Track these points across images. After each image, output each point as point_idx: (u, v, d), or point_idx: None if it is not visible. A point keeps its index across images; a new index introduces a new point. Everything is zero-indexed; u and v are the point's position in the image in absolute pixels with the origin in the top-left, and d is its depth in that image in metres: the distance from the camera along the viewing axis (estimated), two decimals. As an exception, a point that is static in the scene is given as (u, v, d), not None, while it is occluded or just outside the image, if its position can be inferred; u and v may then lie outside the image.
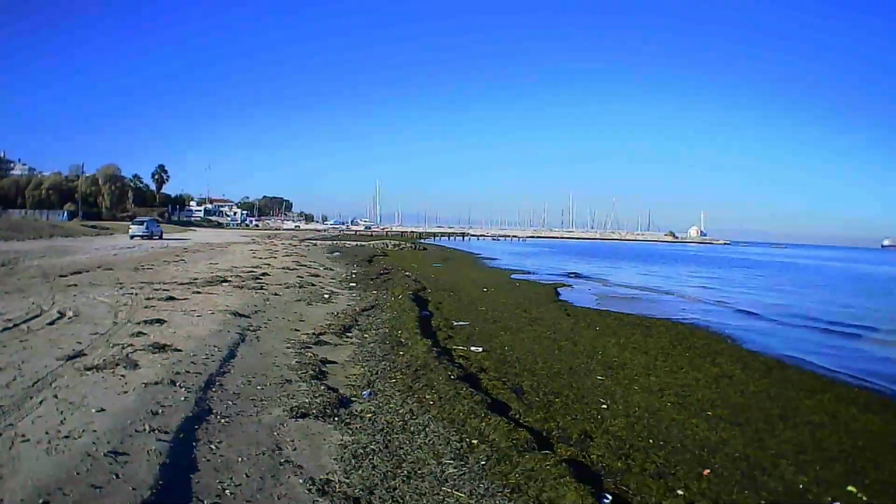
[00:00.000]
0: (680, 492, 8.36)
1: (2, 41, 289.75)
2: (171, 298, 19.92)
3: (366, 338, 16.95)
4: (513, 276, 46.14)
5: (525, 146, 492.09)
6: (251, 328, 16.24)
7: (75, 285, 22.50)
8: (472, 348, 16.81)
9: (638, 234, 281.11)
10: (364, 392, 11.51)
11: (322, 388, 11.33)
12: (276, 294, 23.45)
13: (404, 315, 20.60)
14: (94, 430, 8.02)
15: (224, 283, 25.22)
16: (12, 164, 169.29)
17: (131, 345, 12.88)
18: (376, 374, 12.98)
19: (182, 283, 24.46)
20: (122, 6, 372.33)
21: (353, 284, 30.83)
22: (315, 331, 16.96)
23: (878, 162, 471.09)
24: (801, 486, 8.89)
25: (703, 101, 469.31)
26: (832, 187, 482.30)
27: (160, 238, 72.55)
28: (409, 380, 12.53)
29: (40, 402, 9.04)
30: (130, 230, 72.51)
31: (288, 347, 14.59)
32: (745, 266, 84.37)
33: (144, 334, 14.09)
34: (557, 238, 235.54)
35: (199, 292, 21.99)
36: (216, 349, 13.21)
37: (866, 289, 53.45)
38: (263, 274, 30.73)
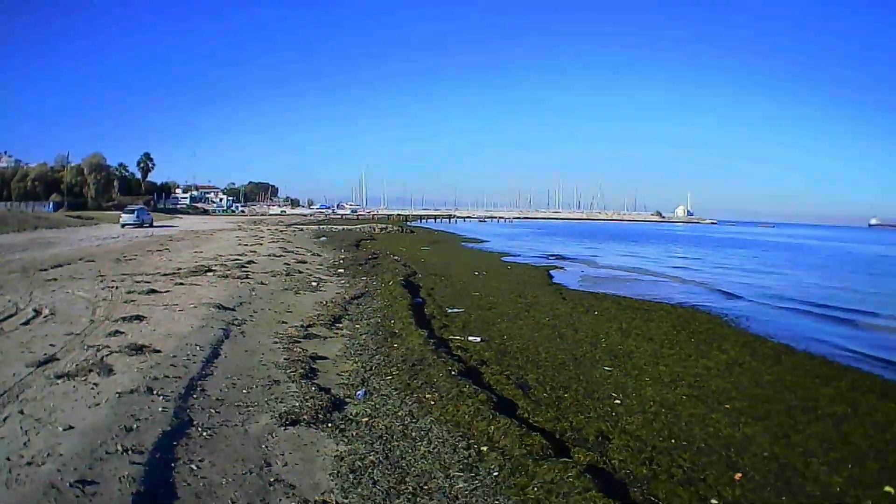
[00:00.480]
0: (714, 501, 7.62)
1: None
2: (153, 291, 19.01)
3: (357, 329, 16.21)
4: (503, 258, 45.51)
5: (511, 129, 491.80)
6: (236, 322, 15.40)
7: (55, 279, 21.61)
8: (471, 338, 16.02)
9: (624, 215, 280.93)
10: (358, 392, 10.72)
11: (313, 388, 10.55)
12: (262, 283, 22.65)
13: (396, 303, 19.81)
14: (61, 455, 7.12)
15: (208, 273, 24.37)
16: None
17: (107, 346, 11.97)
18: (370, 370, 12.22)
19: (165, 274, 23.59)
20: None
21: (342, 271, 30.01)
22: (303, 322, 16.19)
23: (865, 141, 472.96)
24: (837, 489, 8.21)
25: (689, 81, 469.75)
26: (819, 167, 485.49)
27: (150, 226, 72.31)
28: (407, 376, 11.74)
29: (4, 420, 8.15)
30: (121, 219, 71.73)
31: (275, 342, 13.79)
32: (736, 246, 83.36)
33: (122, 333, 13.20)
34: (544, 219, 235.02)
35: (182, 284, 21.11)
36: (198, 348, 12.32)
37: (859, 268, 52.81)
38: (249, 262, 29.86)
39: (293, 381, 10.86)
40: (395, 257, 38.60)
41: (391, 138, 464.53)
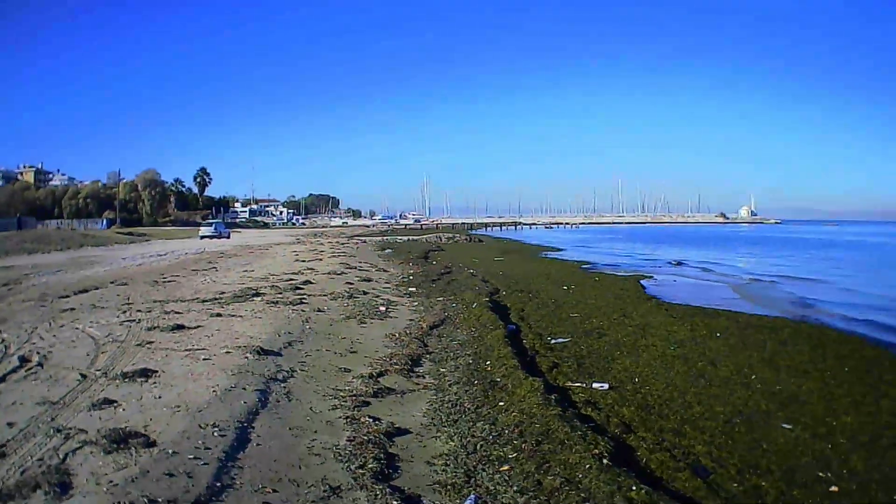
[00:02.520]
0: None
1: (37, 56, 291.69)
2: (179, 328, 15.11)
3: (443, 374, 12.34)
4: (583, 267, 41.49)
5: (572, 135, 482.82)
6: (280, 376, 11.34)
7: (72, 309, 18.20)
8: (595, 385, 11.91)
9: (689, 217, 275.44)
10: (467, 501, 6.72)
11: (395, 501, 6.53)
12: (318, 310, 18.74)
13: (487, 333, 15.85)
14: None
15: (255, 298, 20.53)
16: (51, 176, 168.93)
17: (82, 431, 7.96)
18: (474, 451, 8.28)
19: (204, 301, 19.91)
20: (150, 9, 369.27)
21: (413, 289, 26.08)
22: (372, 369, 12.28)
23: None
24: None
25: (750, 81, 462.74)
26: (879, 163, 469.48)
27: (228, 238, 79.78)
28: (533, 466, 7.75)
29: None
30: (200, 231, 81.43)
31: (334, 408, 9.77)
32: (815, 247, 77.35)
33: (112, 404, 9.18)
34: (609, 223, 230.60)
35: (219, 315, 17.21)
36: (216, 433, 8.16)
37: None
38: (305, 282, 25.84)
39: (362, 487, 6.89)
40: (470, 271, 34.69)
41: (451, 146, 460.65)
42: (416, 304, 21.79)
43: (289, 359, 12.64)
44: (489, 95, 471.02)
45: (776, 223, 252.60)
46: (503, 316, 19.25)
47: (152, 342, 13.49)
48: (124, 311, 17.78)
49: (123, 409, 8.96)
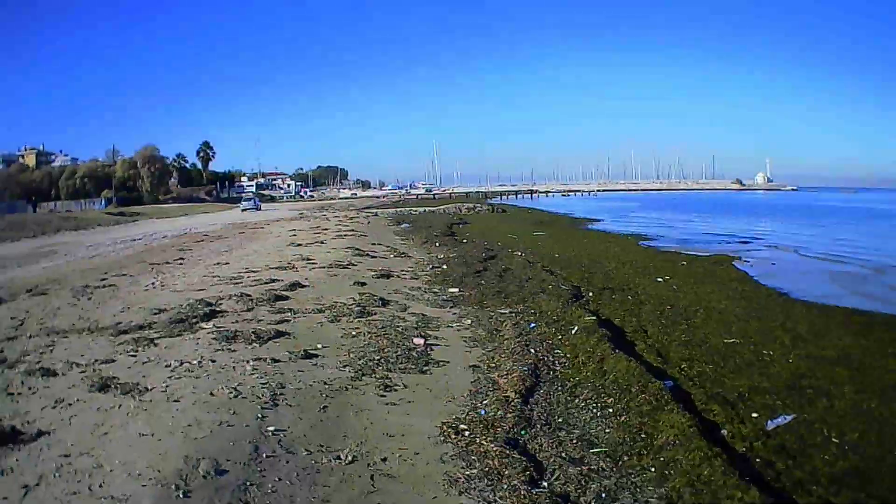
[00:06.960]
0: None
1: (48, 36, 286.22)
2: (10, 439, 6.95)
3: None
4: (642, 244, 34.08)
5: (583, 102, 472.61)
6: None
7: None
8: None
9: (704, 183, 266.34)
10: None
11: None
12: (306, 355, 10.58)
13: (648, 417, 8.29)
14: None
15: (205, 324, 12.44)
16: (53, 157, 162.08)
17: None
18: None
19: (124, 331, 12.02)
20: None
21: (454, 291, 17.83)
22: None
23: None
24: None
25: (763, 46, 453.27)
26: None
27: (259, 209, 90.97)
28: None
29: None
30: (241, 206, 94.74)
31: None
32: (869, 217, 68.78)
33: None
34: (624, 190, 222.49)
35: (108, 385, 8.75)
36: None
37: None
38: (294, 285, 17.22)
39: None
40: (518, 253, 26.94)
41: (460, 115, 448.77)
42: (468, 322, 13.90)
43: None
44: (499, 63, 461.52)
45: (793, 190, 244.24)
46: (623, 345, 11.66)
47: None
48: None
49: None
